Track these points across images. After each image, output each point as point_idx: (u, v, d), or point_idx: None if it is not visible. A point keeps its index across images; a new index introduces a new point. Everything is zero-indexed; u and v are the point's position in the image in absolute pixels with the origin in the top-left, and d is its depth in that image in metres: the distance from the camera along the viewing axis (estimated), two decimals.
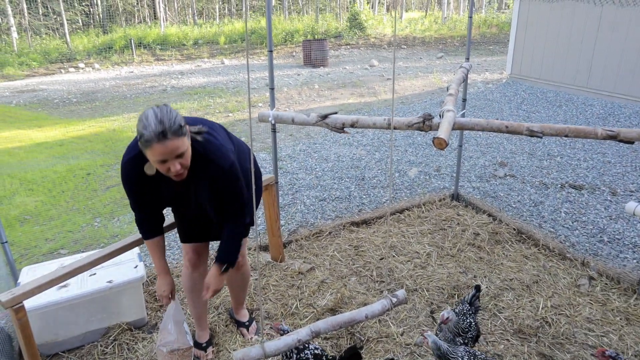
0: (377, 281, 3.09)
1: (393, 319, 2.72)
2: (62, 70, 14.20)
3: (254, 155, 1.61)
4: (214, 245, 3.38)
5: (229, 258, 2.15)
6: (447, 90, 2.42)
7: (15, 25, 17.30)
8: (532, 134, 1.95)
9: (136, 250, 2.77)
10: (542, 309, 2.76)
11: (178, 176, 1.89)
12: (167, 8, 24.35)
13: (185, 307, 2.79)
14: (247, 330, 2.65)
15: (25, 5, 18.19)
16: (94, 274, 2.64)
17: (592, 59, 8.02)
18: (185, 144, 1.81)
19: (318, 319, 2.49)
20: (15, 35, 16.83)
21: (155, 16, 23.50)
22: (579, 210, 4.10)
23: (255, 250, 3.38)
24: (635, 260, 3.30)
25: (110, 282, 2.58)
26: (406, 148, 5.90)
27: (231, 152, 2.03)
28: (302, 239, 3.62)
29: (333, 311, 2.77)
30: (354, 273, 3.18)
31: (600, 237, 3.64)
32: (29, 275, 2.62)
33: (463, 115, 3.28)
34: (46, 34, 19.18)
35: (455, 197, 4.26)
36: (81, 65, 14.77)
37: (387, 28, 20.06)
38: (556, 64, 8.66)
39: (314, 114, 2.27)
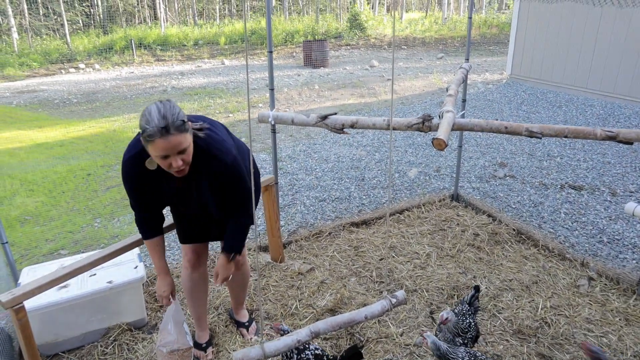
0: (376, 282, 3.10)
1: (392, 319, 2.72)
2: (63, 71, 14.21)
3: (252, 156, 1.61)
4: (214, 246, 3.40)
5: (235, 246, 2.18)
6: (447, 91, 2.43)
7: (16, 25, 17.32)
8: (531, 134, 1.96)
9: (136, 250, 2.78)
10: (541, 309, 2.76)
11: (179, 172, 1.89)
12: (167, 9, 24.37)
13: (185, 308, 2.80)
14: (247, 330, 2.65)
15: (25, 6, 18.21)
16: (94, 274, 2.64)
17: (592, 59, 8.02)
18: (187, 139, 1.82)
19: (318, 320, 2.48)
20: (15, 35, 16.85)
21: (155, 17, 23.54)
22: (578, 210, 4.11)
23: (255, 250, 3.38)
24: (634, 261, 3.31)
25: (110, 282, 2.58)
26: (406, 149, 5.91)
27: (233, 147, 2.05)
28: (301, 239, 3.62)
29: (333, 312, 2.78)
30: (354, 273, 3.19)
31: (600, 237, 3.64)
32: (29, 275, 2.62)
33: (463, 116, 3.28)
34: (47, 34, 19.20)
35: (455, 197, 4.26)
36: (82, 65, 14.77)
37: (387, 29, 20.08)
38: (556, 64, 8.66)
39: (314, 114, 2.27)
